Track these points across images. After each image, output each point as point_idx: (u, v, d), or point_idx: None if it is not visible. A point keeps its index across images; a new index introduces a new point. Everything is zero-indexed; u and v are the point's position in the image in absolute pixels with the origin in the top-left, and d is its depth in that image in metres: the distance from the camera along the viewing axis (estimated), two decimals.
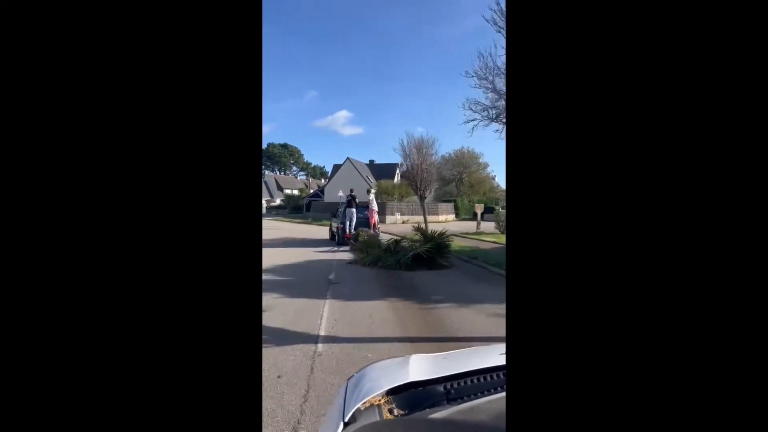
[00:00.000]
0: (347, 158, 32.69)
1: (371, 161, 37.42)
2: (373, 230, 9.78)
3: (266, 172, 58.69)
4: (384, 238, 8.48)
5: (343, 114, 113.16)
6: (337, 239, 10.51)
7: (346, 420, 0.75)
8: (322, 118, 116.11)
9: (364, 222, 10.21)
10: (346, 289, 5.09)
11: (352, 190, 11.20)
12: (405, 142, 11.88)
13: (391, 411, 0.77)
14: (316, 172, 62.60)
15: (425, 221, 10.52)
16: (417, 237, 7.44)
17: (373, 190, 12.66)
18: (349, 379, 0.96)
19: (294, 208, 35.36)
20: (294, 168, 66.33)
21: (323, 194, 32.56)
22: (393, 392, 0.82)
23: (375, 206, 10.44)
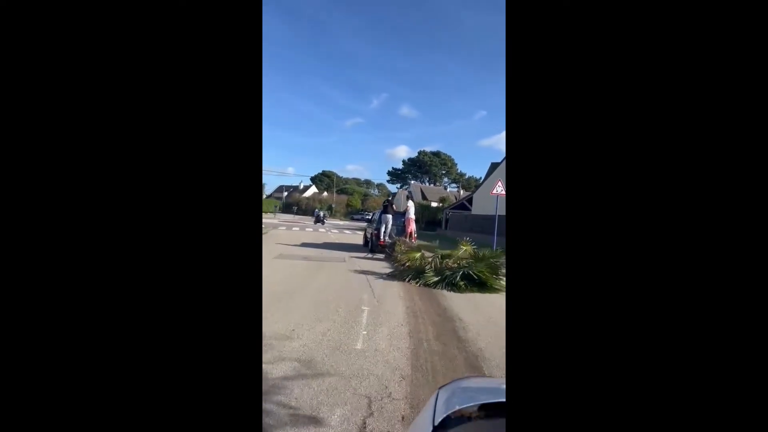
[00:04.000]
0: None
1: None
2: (410, 239, 9.03)
3: (411, 182, 51.64)
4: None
5: None
6: (371, 246, 10.20)
7: (436, 425, 0.78)
8: (488, 137, 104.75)
9: (400, 230, 9.68)
10: None
11: (389, 196, 10.63)
12: None
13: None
14: (470, 184, 51.72)
15: None
16: (465, 255, 6.66)
17: (408, 195, 10.85)
18: (440, 387, 1.01)
19: (428, 224, 25.20)
20: (445, 179, 57.58)
21: (471, 205, 21.27)
22: (485, 408, 0.83)
23: (412, 214, 9.59)
